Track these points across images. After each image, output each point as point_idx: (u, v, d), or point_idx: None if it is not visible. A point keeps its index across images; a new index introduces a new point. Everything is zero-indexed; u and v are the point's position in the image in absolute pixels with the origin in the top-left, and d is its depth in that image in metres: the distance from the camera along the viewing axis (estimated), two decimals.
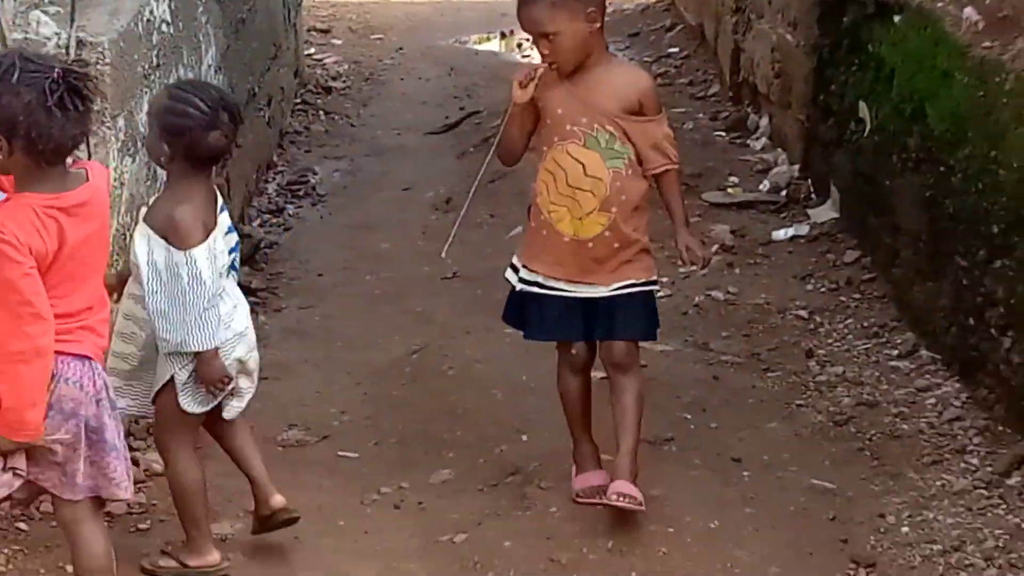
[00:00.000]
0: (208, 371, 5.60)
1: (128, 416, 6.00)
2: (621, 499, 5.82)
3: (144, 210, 5.74)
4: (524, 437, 6.82)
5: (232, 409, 5.82)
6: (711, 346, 7.85)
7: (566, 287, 5.97)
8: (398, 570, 5.92)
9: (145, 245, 5.56)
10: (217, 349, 5.59)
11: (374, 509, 6.37)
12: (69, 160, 4.87)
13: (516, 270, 6.19)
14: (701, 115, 11.74)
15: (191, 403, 5.66)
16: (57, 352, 4.72)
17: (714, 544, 5.98)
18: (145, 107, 7.05)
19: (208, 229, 5.58)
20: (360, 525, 6.25)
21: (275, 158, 11.18)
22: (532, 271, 6.06)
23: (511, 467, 6.59)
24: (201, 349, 5.55)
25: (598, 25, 5.81)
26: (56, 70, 4.61)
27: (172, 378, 5.65)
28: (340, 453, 6.80)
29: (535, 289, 6.04)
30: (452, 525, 6.20)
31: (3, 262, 4.57)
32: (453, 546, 6.05)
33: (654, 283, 6.16)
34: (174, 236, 5.52)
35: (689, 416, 7.06)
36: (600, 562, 5.89)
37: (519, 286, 6.13)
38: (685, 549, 5.95)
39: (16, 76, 4.57)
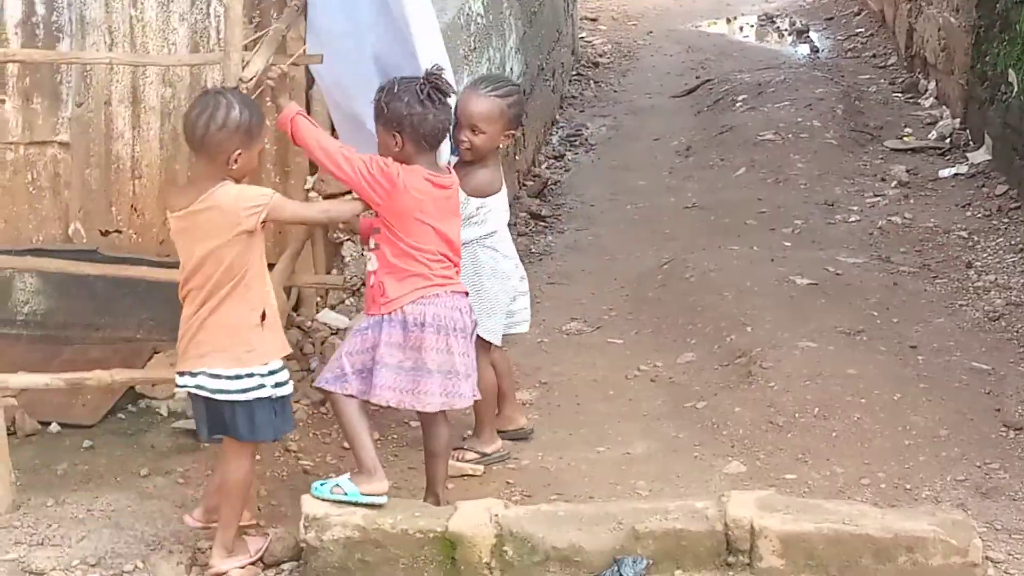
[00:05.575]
0: None
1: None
2: None
3: None
4: (748, 328, 6.68)
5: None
6: (892, 259, 7.67)
7: None
8: (655, 428, 5.88)
9: None
10: None
11: (635, 382, 6.34)
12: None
13: None
14: (882, 80, 11.53)
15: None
16: None
17: (896, 411, 5.85)
18: (465, 82, 7.04)
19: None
20: (625, 394, 6.23)
21: (557, 117, 11.16)
22: None
23: (739, 351, 6.47)
24: None
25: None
26: (421, 76, 4.70)
27: None
28: (608, 340, 6.76)
29: None
30: (694, 394, 6.15)
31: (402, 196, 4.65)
32: (696, 410, 6.00)
33: None
34: None
35: (875, 313, 6.88)
36: (808, 424, 5.77)
37: None
38: (874, 415, 5.82)
39: (396, 88, 4.67)
